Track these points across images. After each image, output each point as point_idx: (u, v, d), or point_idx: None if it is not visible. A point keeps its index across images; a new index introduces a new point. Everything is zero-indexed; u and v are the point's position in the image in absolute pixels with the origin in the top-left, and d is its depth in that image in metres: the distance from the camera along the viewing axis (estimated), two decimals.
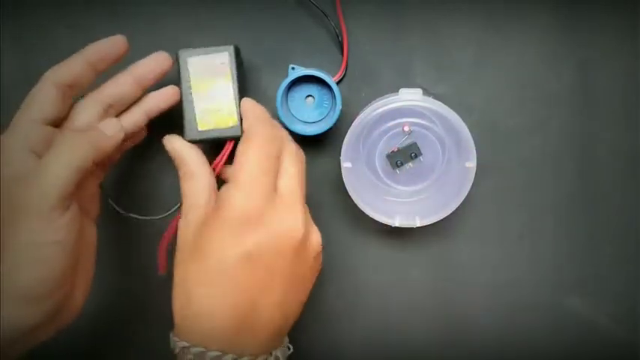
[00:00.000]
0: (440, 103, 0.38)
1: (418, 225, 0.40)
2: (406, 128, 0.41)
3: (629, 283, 0.44)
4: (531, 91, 0.43)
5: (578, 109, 0.43)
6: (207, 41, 0.43)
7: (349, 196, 0.40)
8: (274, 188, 0.34)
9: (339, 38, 0.42)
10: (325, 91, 0.41)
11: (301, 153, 0.37)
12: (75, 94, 0.36)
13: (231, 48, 0.39)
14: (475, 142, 0.43)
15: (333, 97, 0.40)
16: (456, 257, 0.44)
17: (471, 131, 0.43)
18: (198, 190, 0.35)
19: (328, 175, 0.44)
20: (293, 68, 0.42)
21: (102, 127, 0.35)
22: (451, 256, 0.44)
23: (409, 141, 0.41)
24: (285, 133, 0.37)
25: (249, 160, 0.34)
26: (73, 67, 0.35)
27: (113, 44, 0.36)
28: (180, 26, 0.43)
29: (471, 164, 0.39)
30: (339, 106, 0.40)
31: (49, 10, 0.43)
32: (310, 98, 0.42)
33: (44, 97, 0.35)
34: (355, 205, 0.41)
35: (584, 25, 0.43)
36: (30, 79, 0.43)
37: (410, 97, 0.38)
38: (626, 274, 0.44)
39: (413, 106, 0.39)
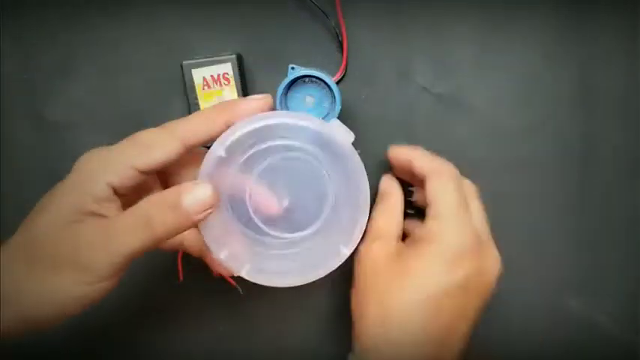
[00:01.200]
0: (362, 166, 0.32)
1: (243, 274, 0.32)
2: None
3: (629, 283, 0.44)
4: (532, 90, 0.43)
5: (579, 109, 0.43)
6: (208, 41, 0.43)
7: None
8: (474, 225, 0.36)
9: (339, 38, 0.42)
10: (325, 91, 0.41)
11: (474, 187, 0.39)
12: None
13: (234, 58, 0.40)
14: (475, 142, 0.43)
15: (333, 97, 0.40)
16: None
17: (471, 131, 0.43)
18: (393, 224, 0.38)
19: None
20: (293, 68, 0.42)
21: (189, 206, 0.29)
22: None
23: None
24: (455, 168, 0.39)
25: (450, 196, 0.36)
26: (215, 130, 0.31)
27: (260, 106, 0.32)
28: (180, 26, 0.43)
29: (346, 251, 0.32)
30: (338, 107, 0.40)
31: (49, 10, 0.43)
32: (310, 98, 0.42)
33: (166, 153, 0.31)
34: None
35: (584, 25, 0.42)
36: (30, 79, 0.43)
37: (342, 139, 0.31)
38: (626, 274, 0.44)
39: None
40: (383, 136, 0.43)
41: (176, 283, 0.44)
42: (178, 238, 0.36)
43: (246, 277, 0.31)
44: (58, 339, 0.44)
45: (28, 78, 0.43)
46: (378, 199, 0.41)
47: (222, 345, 0.45)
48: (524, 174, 0.43)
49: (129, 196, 0.32)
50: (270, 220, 0.33)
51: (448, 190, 0.36)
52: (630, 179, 0.43)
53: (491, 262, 0.36)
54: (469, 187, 0.39)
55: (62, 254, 0.29)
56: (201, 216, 0.29)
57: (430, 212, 0.36)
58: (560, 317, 0.44)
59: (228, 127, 0.31)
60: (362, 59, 0.43)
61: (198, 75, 0.41)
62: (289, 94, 0.41)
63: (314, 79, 0.41)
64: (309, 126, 0.30)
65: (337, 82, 0.42)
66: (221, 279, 0.44)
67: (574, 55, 0.43)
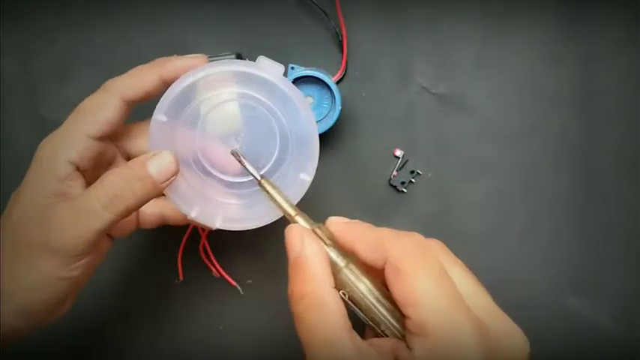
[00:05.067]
0: (298, 92, 0.31)
1: (217, 227, 0.32)
2: (398, 153, 0.42)
3: (629, 283, 0.44)
4: (532, 90, 0.43)
5: (579, 109, 0.43)
6: (208, 41, 0.43)
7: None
8: (474, 316, 0.25)
9: (339, 38, 0.42)
10: (325, 91, 0.41)
11: (439, 242, 0.30)
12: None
13: (234, 57, 0.40)
14: (475, 142, 0.43)
15: (333, 97, 0.40)
16: None
17: (470, 131, 0.43)
18: (337, 327, 0.25)
19: (329, 176, 0.44)
20: (293, 68, 0.42)
21: (155, 175, 0.30)
22: None
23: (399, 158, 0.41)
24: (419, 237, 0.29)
25: (432, 299, 0.24)
26: (147, 82, 0.32)
27: (193, 64, 0.32)
28: (180, 26, 0.43)
29: (307, 177, 0.32)
30: (338, 107, 0.40)
31: (49, 11, 0.43)
32: (310, 98, 0.42)
33: (110, 111, 0.31)
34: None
35: (584, 25, 0.42)
36: (30, 79, 0.43)
37: (268, 72, 0.31)
38: (626, 274, 0.44)
39: (268, 81, 0.31)
40: (383, 136, 0.43)
41: (176, 283, 0.44)
42: (158, 210, 0.36)
43: (222, 228, 0.32)
44: (57, 337, 0.44)
45: (28, 78, 0.43)
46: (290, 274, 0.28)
47: (222, 344, 0.45)
48: (524, 173, 0.43)
49: (91, 170, 0.32)
50: (227, 168, 0.33)
51: (427, 291, 0.25)
52: (630, 179, 0.43)
53: (516, 345, 0.26)
54: (441, 253, 0.28)
55: (36, 240, 0.29)
56: (167, 183, 0.31)
57: (410, 325, 0.25)
58: (560, 317, 0.44)
59: (162, 81, 0.32)
60: (362, 59, 0.43)
61: None
62: None
63: (314, 79, 0.40)
64: (234, 69, 0.31)
65: (337, 82, 0.42)
66: (221, 279, 0.44)
67: (574, 55, 0.42)
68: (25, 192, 0.30)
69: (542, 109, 0.43)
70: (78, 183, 0.31)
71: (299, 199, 0.32)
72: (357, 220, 0.29)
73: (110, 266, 0.44)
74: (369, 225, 0.29)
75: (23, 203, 0.30)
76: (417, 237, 0.27)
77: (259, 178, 0.31)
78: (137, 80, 0.32)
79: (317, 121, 0.42)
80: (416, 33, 0.43)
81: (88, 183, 0.31)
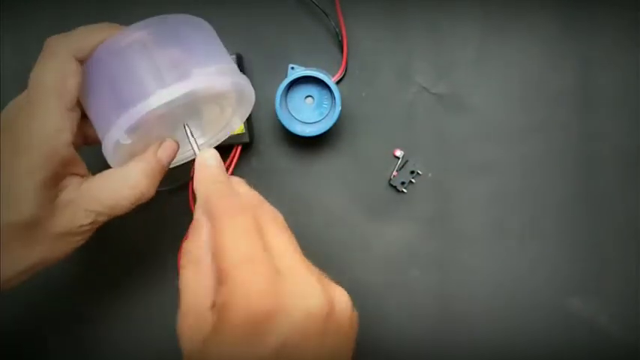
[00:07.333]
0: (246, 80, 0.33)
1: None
2: (398, 153, 0.43)
3: (629, 283, 0.44)
4: (532, 90, 0.43)
5: (580, 109, 0.43)
6: None
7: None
8: (272, 267, 0.27)
9: (339, 38, 0.42)
10: (325, 91, 0.41)
11: (279, 214, 0.31)
12: None
13: (234, 58, 0.40)
14: (475, 142, 0.43)
15: (333, 97, 0.40)
16: (456, 257, 0.44)
17: (470, 131, 0.43)
18: (204, 287, 0.29)
19: (329, 176, 0.44)
20: (293, 68, 0.42)
21: (161, 155, 0.33)
22: (451, 256, 0.44)
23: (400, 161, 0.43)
24: (254, 194, 0.32)
25: (226, 247, 0.27)
26: (96, 43, 0.31)
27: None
28: None
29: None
30: (338, 107, 0.40)
31: (49, 11, 0.43)
32: (310, 98, 0.42)
33: (74, 77, 0.30)
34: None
35: (585, 24, 0.42)
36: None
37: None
38: (626, 274, 0.44)
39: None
40: (383, 136, 0.43)
41: (176, 283, 0.44)
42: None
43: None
44: (55, 335, 0.44)
45: (28, 78, 0.43)
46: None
47: None
48: (524, 174, 0.43)
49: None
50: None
51: (223, 241, 0.27)
52: (630, 179, 0.43)
53: (308, 304, 0.26)
54: (271, 220, 0.29)
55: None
56: (170, 162, 0.34)
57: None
58: (560, 317, 0.44)
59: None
60: (362, 59, 0.43)
61: None
62: (289, 94, 0.41)
63: (314, 79, 0.40)
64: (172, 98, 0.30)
65: (337, 82, 0.42)
66: None
67: (574, 54, 0.42)
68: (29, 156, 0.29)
69: (542, 109, 0.43)
70: (79, 167, 0.32)
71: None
72: (220, 166, 0.31)
73: (110, 266, 0.44)
74: (222, 176, 0.31)
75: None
76: (247, 197, 0.30)
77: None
78: (86, 41, 0.31)
79: (317, 121, 0.42)
80: (416, 32, 0.43)
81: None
